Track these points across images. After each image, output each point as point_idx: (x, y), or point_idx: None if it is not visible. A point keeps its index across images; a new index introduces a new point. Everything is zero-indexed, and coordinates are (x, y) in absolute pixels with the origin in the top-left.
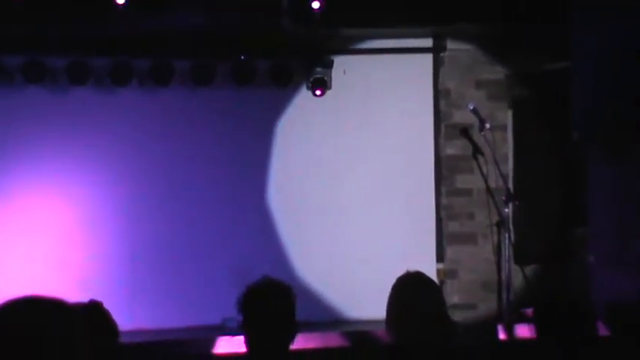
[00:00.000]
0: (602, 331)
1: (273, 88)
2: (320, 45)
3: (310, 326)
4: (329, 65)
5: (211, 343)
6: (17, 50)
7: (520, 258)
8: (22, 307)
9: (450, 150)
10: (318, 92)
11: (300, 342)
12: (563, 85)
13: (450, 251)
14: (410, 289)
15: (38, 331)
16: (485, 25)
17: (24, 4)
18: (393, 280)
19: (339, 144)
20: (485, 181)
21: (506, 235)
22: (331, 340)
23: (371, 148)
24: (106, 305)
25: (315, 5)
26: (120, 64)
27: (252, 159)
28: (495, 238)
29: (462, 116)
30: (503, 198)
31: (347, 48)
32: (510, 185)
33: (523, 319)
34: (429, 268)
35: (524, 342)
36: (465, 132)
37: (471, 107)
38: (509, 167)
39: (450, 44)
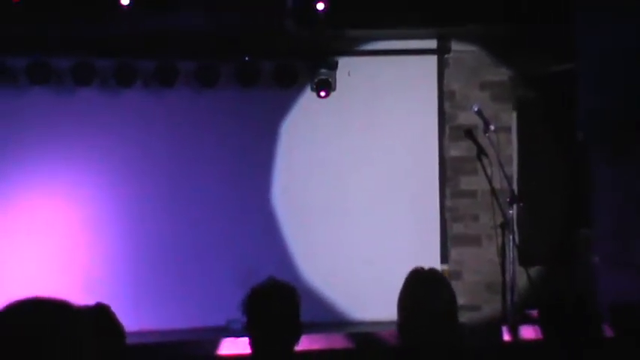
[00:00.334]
0: (608, 332)
1: (277, 89)
2: (324, 46)
3: (314, 327)
4: (333, 66)
5: (216, 344)
6: (21, 51)
7: (524, 259)
8: (27, 308)
9: (454, 151)
10: (322, 93)
11: (305, 343)
12: (567, 87)
13: (454, 252)
14: (422, 286)
15: (44, 332)
16: (489, 27)
17: (27, 4)
18: (397, 281)
19: (343, 145)
20: (490, 183)
21: (511, 237)
22: (336, 341)
23: (375, 149)
24: (111, 306)
25: (320, 6)
26: (124, 65)
27: (256, 160)
28: (500, 239)
29: (467, 118)
30: (508, 199)
31: (351, 49)
32: (515, 187)
33: (527, 321)
34: None
35: (529, 343)
36: (469, 133)
37: (476, 109)
38: (514, 169)
39: (455, 46)
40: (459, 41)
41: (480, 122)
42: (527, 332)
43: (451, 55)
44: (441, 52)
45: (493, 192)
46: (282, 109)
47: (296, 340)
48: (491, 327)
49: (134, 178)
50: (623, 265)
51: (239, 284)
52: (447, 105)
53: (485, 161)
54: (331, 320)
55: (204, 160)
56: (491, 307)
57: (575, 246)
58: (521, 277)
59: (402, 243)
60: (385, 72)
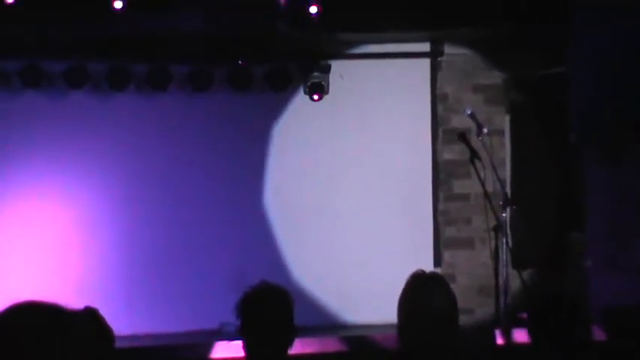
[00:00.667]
0: (600, 334)
1: (270, 92)
2: (317, 49)
3: (307, 331)
4: (326, 70)
5: (209, 347)
6: (14, 54)
7: (517, 262)
8: (20, 312)
9: (447, 155)
10: (315, 97)
11: (298, 347)
12: (560, 90)
13: (447, 256)
14: (424, 289)
15: (37, 336)
16: (482, 30)
17: (20, 6)
18: (390, 284)
19: (336, 148)
20: (483, 186)
21: (504, 240)
22: (329, 345)
23: (368, 152)
24: (104, 310)
25: (313, 10)
26: (117, 68)
27: (249, 163)
28: (493, 242)
29: (460, 121)
30: (501, 202)
31: (344, 52)
32: (508, 190)
33: (520, 324)
34: None
35: (522, 347)
36: (462, 137)
37: (469, 112)
38: (507, 172)
39: (448, 49)
40: (451, 44)
41: (473, 125)
42: (520, 335)
43: (444, 58)
44: (433, 55)
45: (486, 195)
46: (275, 112)
47: (289, 343)
48: (484, 330)
49: (127, 181)
50: (615, 268)
51: (232, 287)
52: (439, 108)
53: (479, 164)
54: (323, 323)
55: (197, 163)
56: (484, 310)
57: (567, 249)
58: (514, 280)
59: (394, 246)
60: (378, 75)
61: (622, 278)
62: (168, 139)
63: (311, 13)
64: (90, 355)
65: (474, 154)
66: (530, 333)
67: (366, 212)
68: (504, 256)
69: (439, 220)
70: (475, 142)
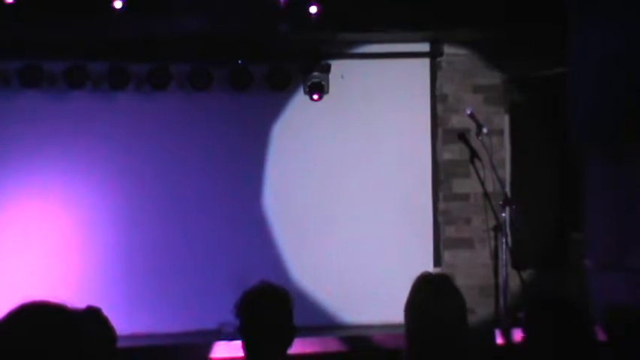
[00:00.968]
0: (600, 335)
1: (270, 92)
2: (317, 49)
3: (306, 331)
4: (326, 70)
5: (208, 347)
6: (14, 54)
7: (517, 262)
8: (30, 313)
9: (447, 154)
10: (315, 97)
11: (298, 347)
12: (560, 90)
13: (447, 256)
14: (432, 292)
15: (46, 336)
16: (482, 30)
17: (19, 6)
18: (390, 285)
19: (336, 148)
20: (483, 186)
21: (504, 240)
22: (329, 345)
23: (368, 152)
24: (104, 310)
25: (313, 10)
26: (117, 68)
27: (249, 163)
28: (492, 242)
29: (460, 121)
30: (501, 202)
31: (344, 52)
32: (507, 190)
33: (520, 324)
34: None
35: (521, 346)
36: (462, 137)
37: (469, 112)
38: (507, 172)
39: (448, 49)
40: (451, 44)
41: (472, 125)
42: (520, 335)
43: (444, 58)
44: (433, 55)
45: (486, 195)
46: (274, 112)
47: (289, 343)
48: (484, 330)
49: (127, 182)
50: (618, 268)
51: (231, 287)
52: (439, 108)
53: (478, 164)
54: (323, 323)
55: (197, 164)
56: (483, 310)
57: (567, 249)
58: (514, 280)
59: (394, 246)
60: (378, 75)
61: (622, 278)
62: (168, 139)
63: (311, 13)
64: (95, 355)
65: (473, 154)
66: (525, 332)
67: (366, 212)
68: (504, 255)
69: (439, 220)
70: (475, 141)
